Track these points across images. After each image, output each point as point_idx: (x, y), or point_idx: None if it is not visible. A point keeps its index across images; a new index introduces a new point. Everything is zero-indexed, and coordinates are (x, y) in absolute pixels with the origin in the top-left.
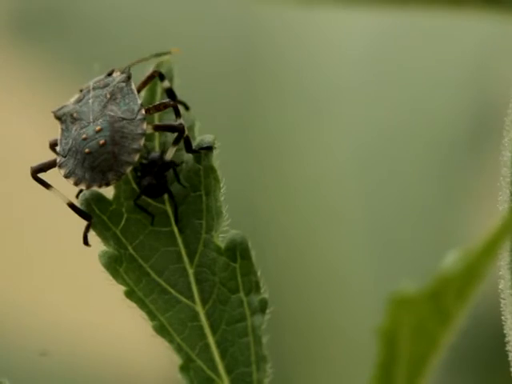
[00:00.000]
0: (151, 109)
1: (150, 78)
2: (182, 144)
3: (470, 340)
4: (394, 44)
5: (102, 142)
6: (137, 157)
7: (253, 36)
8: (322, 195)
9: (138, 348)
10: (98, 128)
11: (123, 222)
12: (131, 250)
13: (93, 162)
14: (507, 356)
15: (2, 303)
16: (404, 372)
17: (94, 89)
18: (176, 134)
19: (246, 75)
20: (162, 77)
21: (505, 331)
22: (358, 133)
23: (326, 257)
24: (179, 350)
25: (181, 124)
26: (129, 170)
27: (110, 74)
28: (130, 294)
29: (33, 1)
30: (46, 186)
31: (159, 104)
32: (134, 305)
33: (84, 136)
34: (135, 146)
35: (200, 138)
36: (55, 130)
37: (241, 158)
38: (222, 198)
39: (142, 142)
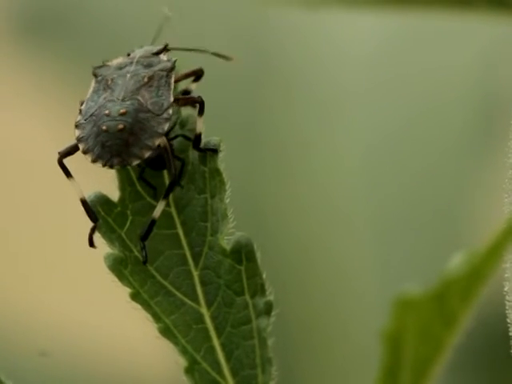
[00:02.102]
0: (180, 100)
1: (193, 74)
2: (186, 145)
3: (475, 342)
4: (402, 45)
5: (120, 126)
6: (147, 154)
7: (261, 38)
8: (328, 197)
9: (143, 350)
10: (122, 111)
11: (128, 225)
12: (136, 253)
13: (106, 140)
14: None
15: (2, 303)
16: (409, 374)
17: (137, 62)
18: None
19: (253, 77)
20: (199, 77)
21: (510, 333)
22: (366, 135)
23: (331, 259)
24: (184, 352)
25: (200, 96)
26: (135, 163)
27: (158, 53)
28: (135, 296)
29: (40, 2)
30: (68, 174)
31: (189, 98)
32: (138, 306)
33: (107, 112)
34: (149, 142)
35: (206, 140)
36: (63, 130)
37: (247, 160)
38: (228, 201)
39: (158, 141)
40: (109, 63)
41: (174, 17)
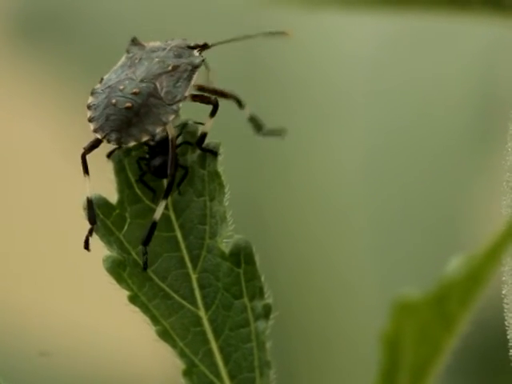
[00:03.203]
0: (197, 97)
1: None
2: (186, 149)
3: (473, 345)
4: (401, 47)
5: (128, 104)
6: (145, 138)
7: (258, 40)
8: (327, 200)
9: (141, 352)
10: (135, 90)
11: (126, 227)
12: (134, 255)
13: (111, 114)
14: (511, 361)
15: (2, 303)
16: (407, 378)
17: (169, 50)
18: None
19: (250, 81)
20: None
21: (508, 336)
22: (365, 137)
23: (330, 262)
24: (182, 354)
25: (216, 98)
26: (130, 144)
27: (193, 48)
28: (133, 299)
29: (39, 4)
30: (86, 171)
31: (205, 97)
32: (137, 309)
33: (122, 87)
34: (150, 128)
35: (206, 142)
36: (64, 132)
37: (246, 163)
38: (227, 203)
39: (159, 129)
40: (147, 44)
41: (172, 17)
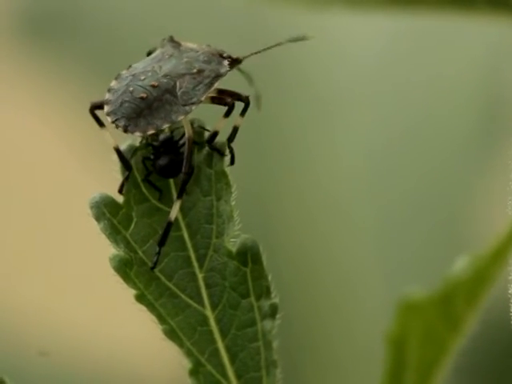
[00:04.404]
0: (215, 98)
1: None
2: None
3: (479, 345)
4: (405, 48)
5: (143, 95)
6: (151, 131)
7: (262, 40)
8: (333, 200)
9: (147, 351)
10: (154, 83)
11: (133, 226)
12: (141, 254)
13: (126, 100)
14: None
15: (2, 303)
16: (413, 377)
17: (201, 54)
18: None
19: (256, 80)
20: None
21: None
22: (369, 136)
23: (336, 262)
24: (189, 354)
25: (232, 101)
26: (137, 134)
27: (224, 57)
28: (140, 298)
29: (44, 3)
30: (100, 124)
31: (222, 100)
32: (139, 308)
33: (144, 77)
34: (158, 123)
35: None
36: (69, 129)
37: (252, 163)
38: (233, 203)
39: (165, 126)
40: (184, 43)
41: (175, 17)
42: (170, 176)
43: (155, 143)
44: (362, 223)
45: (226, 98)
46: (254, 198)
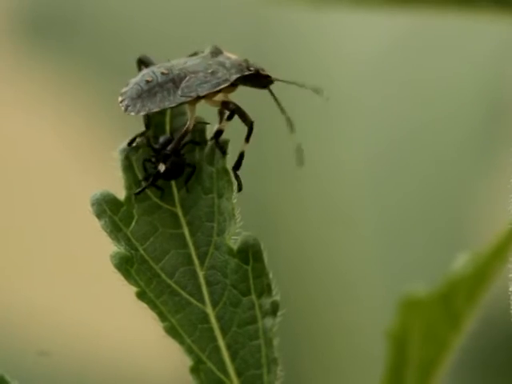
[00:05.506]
0: (223, 104)
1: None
2: (194, 147)
3: (480, 343)
4: (407, 49)
5: (149, 78)
6: (143, 113)
7: (261, 40)
8: (334, 200)
9: (148, 349)
10: (165, 71)
11: (134, 224)
12: (142, 251)
13: (137, 83)
14: None
15: (2, 303)
16: (414, 375)
17: (230, 61)
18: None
19: None
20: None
21: None
22: (370, 138)
23: (337, 260)
24: (190, 351)
25: (235, 108)
26: (130, 113)
27: (249, 69)
28: (141, 295)
29: (46, 3)
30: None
31: (225, 103)
32: (140, 307)
33: (163, 66)
34: (151, 106)
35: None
36: (66, 127)
37: (253, 161)
38: (235, 201)
39: (155, 110)
40: (224, 52)
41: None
42: (172, 178)
43: (156, 146)
44: (363, 221)
45: (225, 103)
46: (256, 196)
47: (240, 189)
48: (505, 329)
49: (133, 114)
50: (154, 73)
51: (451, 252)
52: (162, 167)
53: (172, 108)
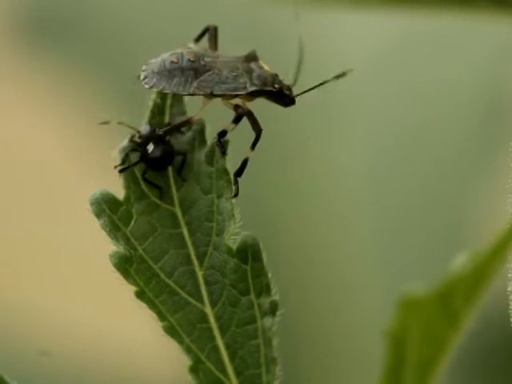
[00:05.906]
0: (230, 103)
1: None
2: (193, 146)
3: (478, 342)
4: (406, 49)
5: (174, 59)
6: (155, 89)
7: (261, 40)
8: (333, 198)
9: (143, 350)
10: (193, 58)
11: (133, 223)
12: (141, 251)
13: (164, 60)
14: None
15: (3, 302)
16: (412, 374)
17: (260, 71)
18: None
19: None
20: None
21: None
22: (369, 137)
23: (336, 260)
24: (189, 351)
25: (246, 110)
26: (146, 85)
27: (275, 86)
28: (140, 295)
29: (48, 4)
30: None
31: (237, 106)
32: (140, 307)
33: (193, 59)
34: (164, 85)
35: (214, 140)
36: (67, 128)
37: (253, 162)
38: (234, 201)
39: (166, 91)
40: (260, 61)
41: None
42: (163, 167)
43: (138, 140)
44: (362, 222)
45: (237, 106)
46: (255, 196)
47: (236, 194)
48: (503, 328)
49: (146, 86)
50: (182, 56)
51: (451, 252)
52: (150, 147)
53: (183, 95)
